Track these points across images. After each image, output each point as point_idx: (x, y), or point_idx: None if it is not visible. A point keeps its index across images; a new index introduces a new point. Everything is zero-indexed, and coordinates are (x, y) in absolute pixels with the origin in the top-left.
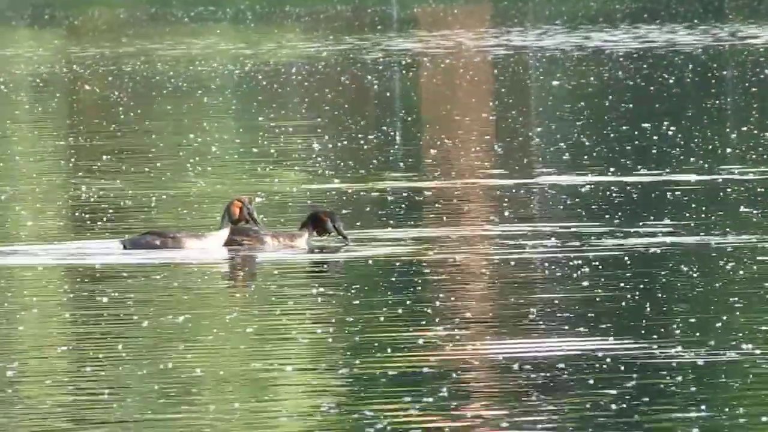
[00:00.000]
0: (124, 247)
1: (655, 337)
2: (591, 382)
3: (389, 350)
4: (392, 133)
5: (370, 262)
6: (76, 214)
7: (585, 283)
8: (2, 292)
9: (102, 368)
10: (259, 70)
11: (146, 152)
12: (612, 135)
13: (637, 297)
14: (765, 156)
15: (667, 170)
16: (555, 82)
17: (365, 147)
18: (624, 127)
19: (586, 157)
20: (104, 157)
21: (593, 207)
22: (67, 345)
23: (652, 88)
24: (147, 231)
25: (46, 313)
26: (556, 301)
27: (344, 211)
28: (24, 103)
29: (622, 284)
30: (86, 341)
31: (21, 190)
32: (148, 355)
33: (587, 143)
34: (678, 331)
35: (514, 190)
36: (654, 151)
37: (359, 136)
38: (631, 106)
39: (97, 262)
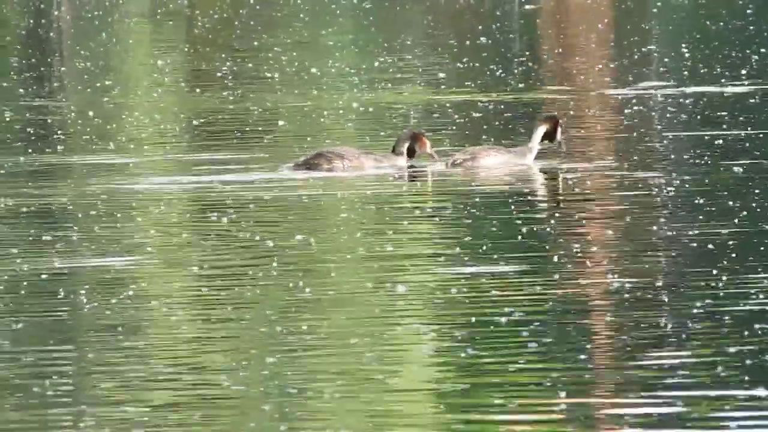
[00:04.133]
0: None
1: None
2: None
3: (504, 280)
4: (511, 48)
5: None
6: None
7: (700, 210)
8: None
9: (224, 288)
10: None
11: (264, 72)
12: (729, 48)
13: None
14: None
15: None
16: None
17: (484, 62)
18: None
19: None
20: (225, 78)
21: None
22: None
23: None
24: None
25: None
26: (676, 227)
27: (455, 127)
28: (162, 29)
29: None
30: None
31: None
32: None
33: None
34: None
35: (632, 101)
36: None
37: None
38: (743, 21)
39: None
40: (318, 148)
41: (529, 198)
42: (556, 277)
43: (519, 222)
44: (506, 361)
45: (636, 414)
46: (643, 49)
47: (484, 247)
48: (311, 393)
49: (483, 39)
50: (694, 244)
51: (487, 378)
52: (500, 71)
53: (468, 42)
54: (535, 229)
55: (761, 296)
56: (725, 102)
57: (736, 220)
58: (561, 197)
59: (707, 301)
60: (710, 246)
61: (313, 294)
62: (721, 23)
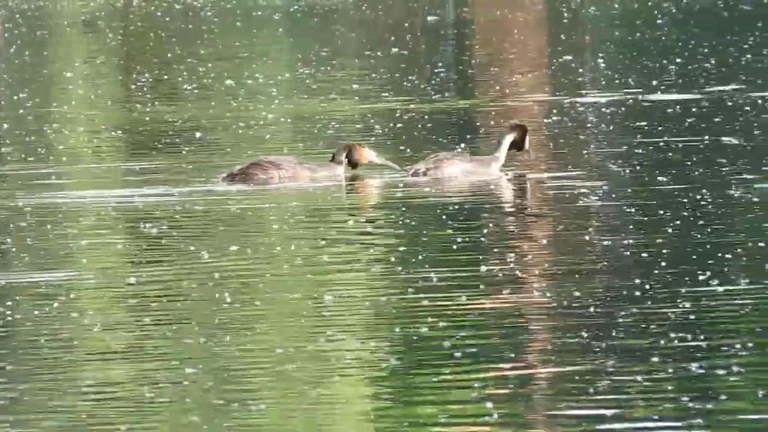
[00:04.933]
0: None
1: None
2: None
3: (444, 287)
4: (443, 55)
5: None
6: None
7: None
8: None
9: (166, 303)
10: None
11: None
12: (661, 55)
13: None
14: None
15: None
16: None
17: (415, 70)
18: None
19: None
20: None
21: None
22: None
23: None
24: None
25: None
26: (609, 237)
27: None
28: (77, 41)
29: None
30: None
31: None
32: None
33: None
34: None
35: (552, 110)
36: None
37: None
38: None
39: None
40: (254, 157)
41: (469, 208)
42: (483, 287)
43: (452, 231)
44: (430, 371)
45: (562, 421)
46: (560, 60)
47: (419, 257)
48: (237, 405)
49: (396, 50)
50: (627, 254)
51: (411, 388)
52: (418, 81)
53: (381, 53)
54: (468, 239)
55: (687, 305)
56: (645, 111)
57: (669, 230)
58: (498, 207)
59: (634, 310)
60: (644, 255)
61: (241, 305)
62: (638, 34)
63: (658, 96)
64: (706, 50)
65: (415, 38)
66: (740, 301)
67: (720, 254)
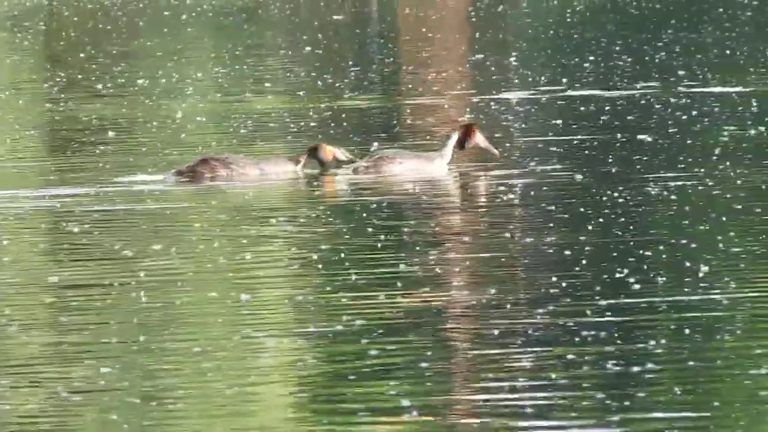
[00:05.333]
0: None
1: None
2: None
3: (363, 286)
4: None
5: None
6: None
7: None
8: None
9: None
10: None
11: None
12: (588, 53)
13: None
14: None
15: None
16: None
17: (341, 68)
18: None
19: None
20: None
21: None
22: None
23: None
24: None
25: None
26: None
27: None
28: (5, 37)
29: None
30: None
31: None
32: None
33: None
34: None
35: (466, 108)
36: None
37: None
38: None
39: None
40: (203, 154)
41: (393, 206)
42: (401, 285)
43: (375, 230)
44: (348, 369)
45: (479, 418)
46: (474, 58)
47: (340, 255)
48: (155, 404)
49: (309, 48)
50: (545, 251)
51: (328, 386)
52: (333, 80)
53: (293, 51)
54: (391, 237)
55: (605, 303)
56: (560, 109)
57: (587, 227)
58: (419, 205)
59: (551, 308)
60: (562, 253)
61: (160, 304)
62: (551, 31)
63: (573, 93)
64: (618, 48)
65: (328, 37)
66: (658, 299)
67: (638, 251)
